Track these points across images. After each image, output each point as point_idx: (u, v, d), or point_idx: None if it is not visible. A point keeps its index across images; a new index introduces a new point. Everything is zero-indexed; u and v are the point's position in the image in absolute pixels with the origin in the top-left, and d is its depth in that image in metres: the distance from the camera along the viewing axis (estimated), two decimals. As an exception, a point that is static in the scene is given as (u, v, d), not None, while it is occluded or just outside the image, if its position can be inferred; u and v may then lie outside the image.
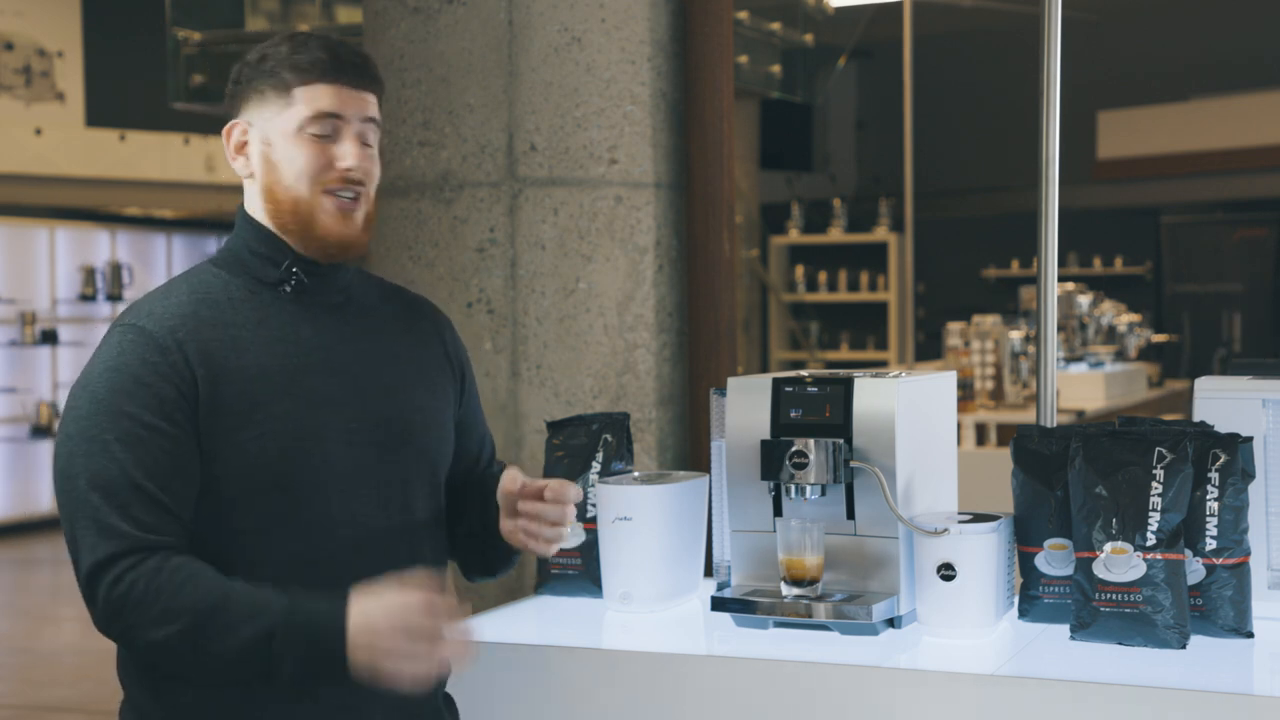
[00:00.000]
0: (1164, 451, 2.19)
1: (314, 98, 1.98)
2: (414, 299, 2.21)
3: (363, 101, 2.01)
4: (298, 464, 1.93)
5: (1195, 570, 2.22)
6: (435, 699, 2.11)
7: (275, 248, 2.01)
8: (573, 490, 2.05)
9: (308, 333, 2.00)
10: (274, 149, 2.00)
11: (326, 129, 1.99)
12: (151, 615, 1.80)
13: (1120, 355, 8.18)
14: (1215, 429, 2.26)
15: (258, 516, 1.92)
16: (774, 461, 2.32)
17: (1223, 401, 2.36)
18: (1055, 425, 2.51)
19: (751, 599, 2.34)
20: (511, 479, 2.05)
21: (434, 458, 2.11)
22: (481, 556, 2.21)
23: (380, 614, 1.78)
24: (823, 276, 12.86)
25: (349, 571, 1.95)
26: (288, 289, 2.01)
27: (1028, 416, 6.36)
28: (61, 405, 12.03)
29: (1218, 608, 2.21)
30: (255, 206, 2.03)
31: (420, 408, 2.09)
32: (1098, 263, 12.72)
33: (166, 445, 1.87)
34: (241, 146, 2.03)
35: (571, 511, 2.05)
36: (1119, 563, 2.17)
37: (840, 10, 8.60)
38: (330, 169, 1.98)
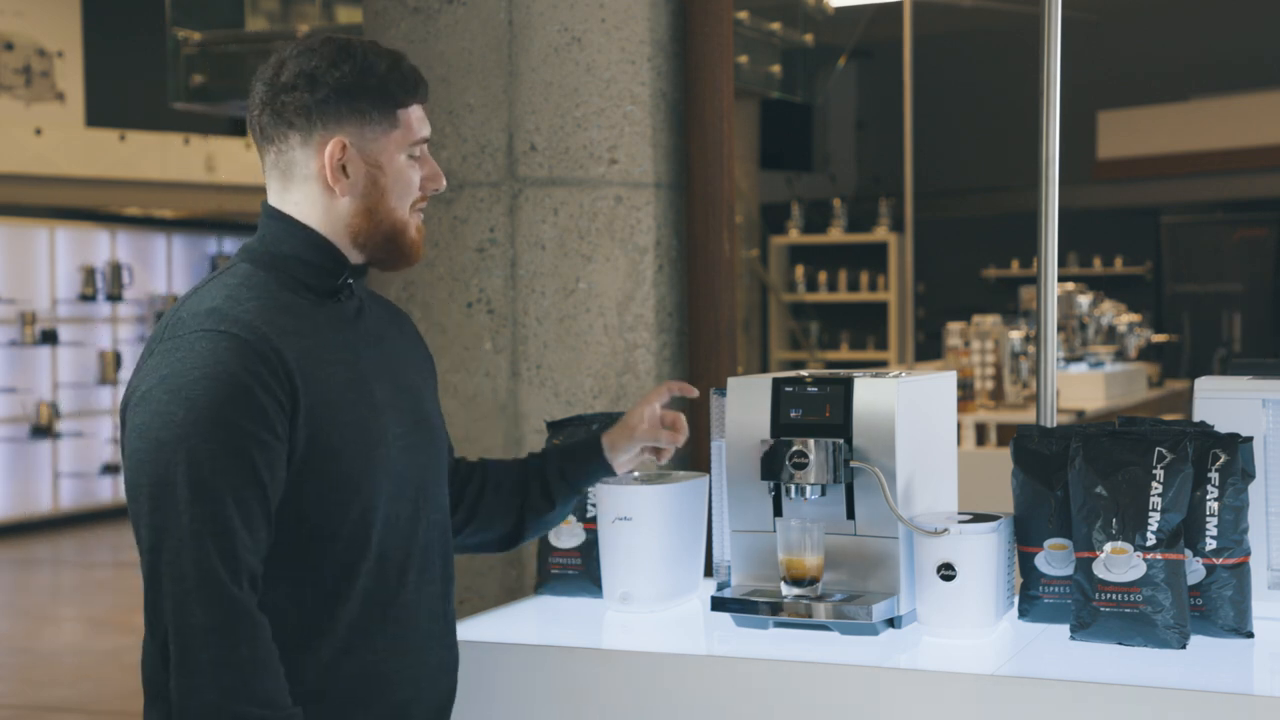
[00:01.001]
0: (1164, 451, 2.19)
1: (417, 121, 2.02)
2: (388, 302, 2.23)
3: None
4: (368, 469, 1.95)
5: (1195, 570, 2.22)
6: (455, 692, 2.15)
7: (332, 258, 2.00)
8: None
9: (352, 338, 2.01)
10: (384, 173, 2.00)
11: (421, 150, 2.04)
12: (247, 690, 1.79)
13: (1120, 355, 8.18)
14: (1215, 429, 2.26)
15: (332, 522, 1.92)
16: (774, 461, 2.32)
17: (1223, 401, 2.36)
18: (1055, 425, 2.51)
19: (751, 599, 2.34)
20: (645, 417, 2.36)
21: (446, 453, 2.18)
22: (537, 520, 2.35)
23: None
24: (823, 276, 12.86)
25: (407, 571, 2.01)
26: (341, 299, 2.02)
27: (1028, 416, 6.36)
28: (61, 405, 12.02)
29: (1218, 608, 2.21)
30: (322, 217, 2.00)
31: (431, 406, 2.14)
32: (1098, 263, 12.72)
33: (268, 458, 1.84)
34: (342, 166, 1.99)
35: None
36: (1119, 563, 2.17)
37: (840, 10, 8.60)
38: (418, 188, 2.03)
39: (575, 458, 2.36)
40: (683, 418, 2.39)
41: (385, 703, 1.98)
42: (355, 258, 2.02)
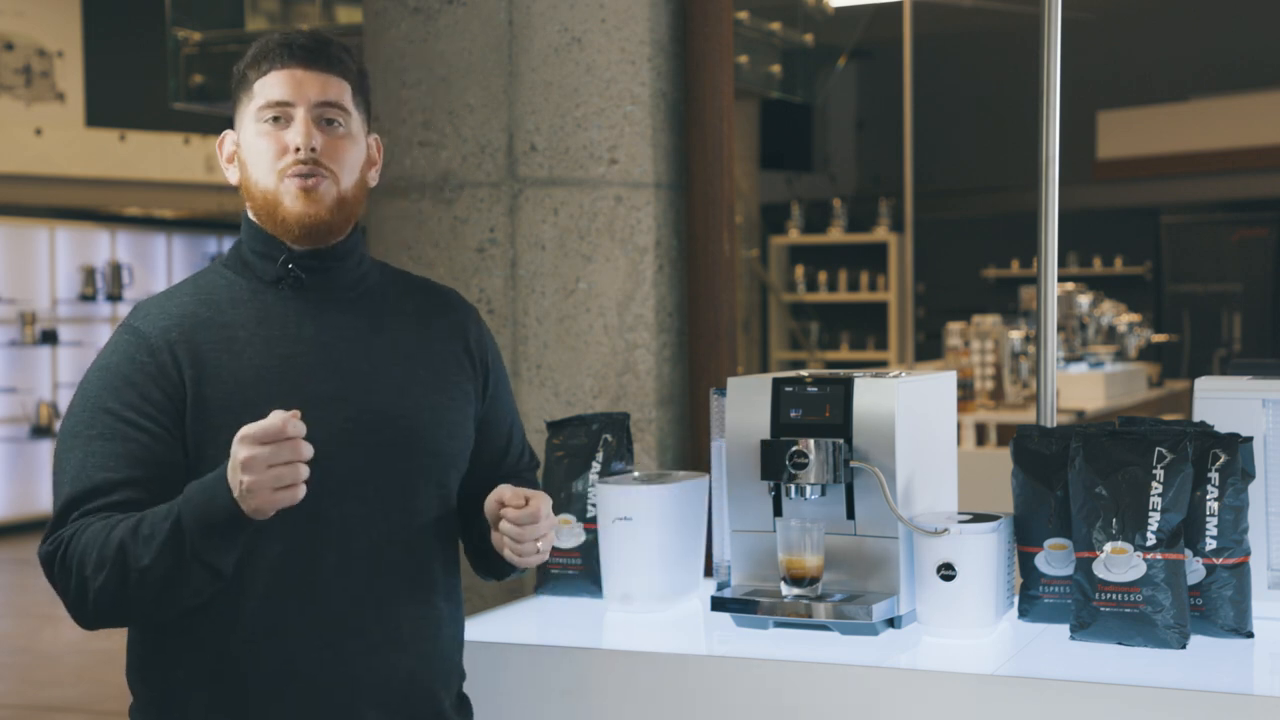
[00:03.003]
0: (1164, 451, 2.19)
1: (266, 86, 1.99)
2: (440, 292, 2.18)
3: (318, 83, 1.99)
4: None
5: (1195, 570, 2.22)
6: (440, 703, 2.08)
7: (271, 245, 2.01)
8: (542, 510, 1.98)
9: (310, 330, 1.99)
10: (242, 147, 2.03)
11: (280, 114, 1.98)
12: (92, 562, 1.82)
13: (1120, 355, 8.18)
14: (1215, 429, 2.26)
15: None
16: (774, 461, 2.32)
17: (1223, 401, 2.37)
18: (1055, 425, 2.51)
19: (751, 599, 2.34)
20: (496, 495, 2.02)
21: (443, 457, 2.07)
22: (487, 562, 2.18)
23: (242, 433, 1.76)
24: (823, 276, 12.85)
25: (341, 574, 1.95)
26: (285, 287, 2.01)
27: (1028, 416, 6.36)
28: (62, 405, 12.05)
29: (1218, 608, 2.22)
30: (250, 209, 2.06)
31: (430, 405, 2.05)
32: (1098, 263, 12.72)
33: (145, 440, 1.89)
34: (231, 156, 2.06)
35: (540, 530, 1.99)
36: (1119, 563, 2.17)
37: (840, 10, 8.60)
38: (285, 155, 1.98)
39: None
40: (537, 528, 1.99)
41: (310, 702, 1.95)
42: (281, 238, 2.01)
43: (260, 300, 2.00)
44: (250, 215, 2.04)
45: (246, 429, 1.74)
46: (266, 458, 1.73)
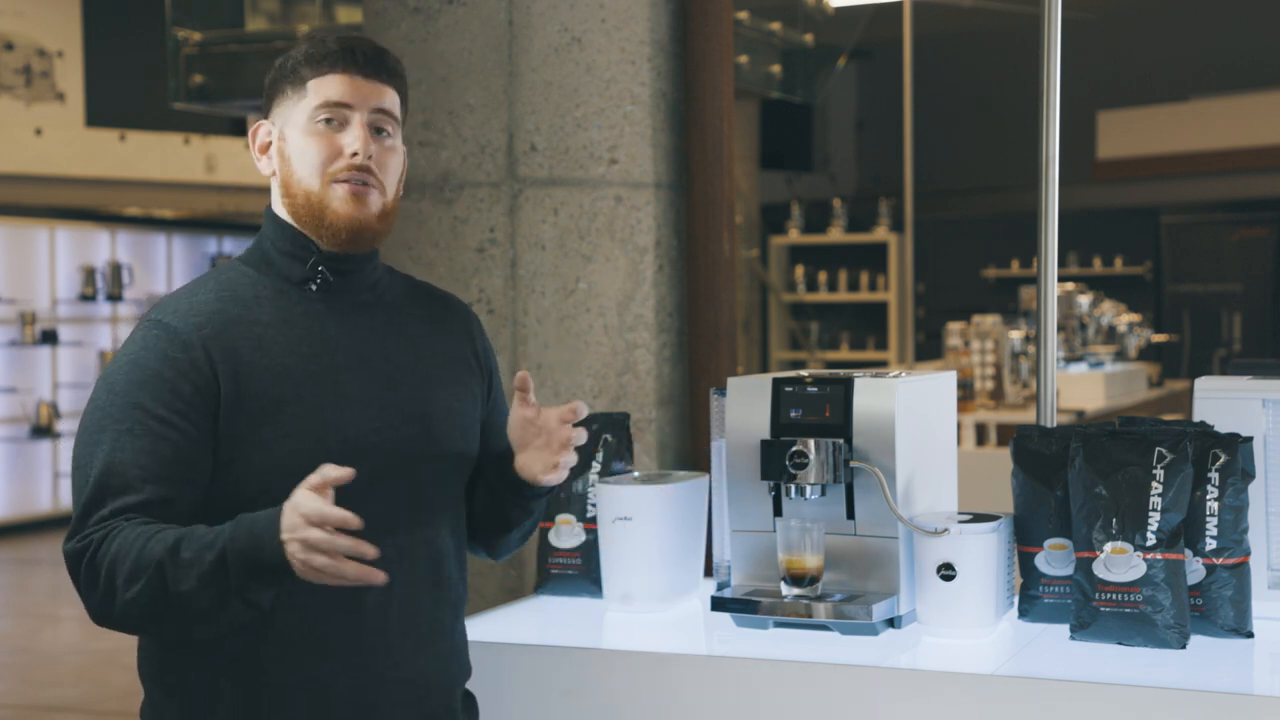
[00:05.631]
0: (1164, 451, 2.19)
1: (324, 88, 1.98)
2: (444, 297, 2.19)
3: (376, 92, 2.00)
4: (319, 463, 1.88)
5: (1195, 570, 2.22)
6: (453, 700, 2.09)
7: (300, 245, 2.00)
8: (580, 407, 2.02)
9: (334, 331, 1.99)
10: (288, 143, 2.00)
11: (335, 117, 1.98)
12: (125, 572, 1.78)
13: (1120, 355, 8.18)
14: (1215, 429, 2.26)
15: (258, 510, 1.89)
16: (774, 461, 2.32)
17: (1223, 401, 2.37)
18: (1055, 425, 2.51)
19: (751, 599, 2.34)
20: (528, 416, 2.03)
21: (459, 457, 2.09)
22: (503, 515, 2.13)
23: (316, 512, 1.71)
24: (823, 276, 12.85)
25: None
26: (313, 287, 2.00)
27: (1028, 416, 6.36)
28: (61, 405, 12.02)
29: (1218, 608, 2.22)
30: (279, 204, 2.03)
31: (447, 407, 2.07)
32: (1098, 263, 12.72)
33: (174, 438, 1.86)
34: (266, 146, 2.04)
35: (579, 433, 2.03)
36: (1119, 563, 2.17)
37: (840, 10, 8.60)
38: (338, 158, 1.98)
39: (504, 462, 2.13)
40: (576, 431, 2.05)
41: (391, 700, 1.96)
42: (320, 242, 2.00)
43: (284, 300, 1.99)
44: (280, 213, 2.02)
45: (325, 511, 1.69)
46: (323, 549, 1.70)
